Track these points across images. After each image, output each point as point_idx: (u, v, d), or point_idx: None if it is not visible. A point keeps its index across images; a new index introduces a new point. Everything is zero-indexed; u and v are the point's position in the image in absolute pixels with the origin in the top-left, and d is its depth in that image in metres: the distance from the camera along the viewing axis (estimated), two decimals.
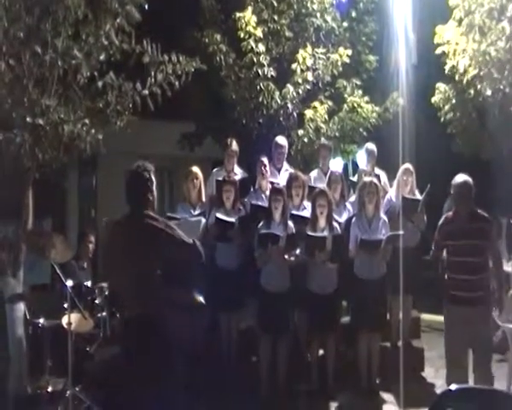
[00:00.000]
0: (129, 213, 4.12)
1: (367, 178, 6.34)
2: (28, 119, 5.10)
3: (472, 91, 8.17)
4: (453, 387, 2.94)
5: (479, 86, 7.90)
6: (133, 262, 3.96)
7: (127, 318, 4.16)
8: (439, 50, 8.35)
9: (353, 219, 6.22)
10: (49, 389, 5.79)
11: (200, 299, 4.45)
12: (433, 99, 9.14)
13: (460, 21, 8.08)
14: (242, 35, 8.03)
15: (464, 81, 8.07)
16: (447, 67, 8.34)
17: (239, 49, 8.23)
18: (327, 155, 7.40)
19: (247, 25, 8.00)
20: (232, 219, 6.31)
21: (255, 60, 8.08)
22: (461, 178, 5.17)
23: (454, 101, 8.96)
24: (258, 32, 8.04)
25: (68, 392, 5.38)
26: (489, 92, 7.77)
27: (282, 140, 7.21)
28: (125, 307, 4.23)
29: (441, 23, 8.35)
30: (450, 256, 5.22)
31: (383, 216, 6.19)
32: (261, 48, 8.08)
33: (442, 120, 9.17)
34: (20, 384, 5.77)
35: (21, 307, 5.84)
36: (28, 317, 5.98)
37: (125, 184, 4.14)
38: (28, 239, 5.79)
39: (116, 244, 4.13)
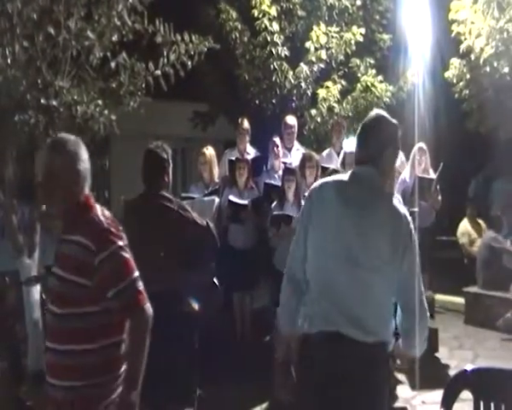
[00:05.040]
0: (143, 192, 4.13)
1: None
2: (42, 100, 5.11)
3: (488, 68, 8.05)
4: (469, 367, 2.93)
5: (495, 64, 7.79)
6: (146, 242, 3.94)
7: None
8: (454, 31, 8.22)
9: None
10: None
11: (195, 306, 4.49)
12: (447, 74, 9.04)
13: None
14: (256, 14, 7.96)
15: (481, 61, 7.96)
16: (462, 47, 8.22)
17: (252, 28, 8.17)
18: (340, 132, 7.34)
19: (261, 3, 7.93)
20: (245, 202, 6.30)
21: (269, 39, 8.02)
22: None
23: (468, 76, 8.85)
24: (273, 11, 7.97)
25: None
26: (506, 69, 7.66)
27: (291, 119, 7.16)
28: None
29: None
30: None
31: (397, 195, 6.14)
32: (275, 27, 8.01)
33: (457, 96, 9.08)
34: (37, 363, 5.85)
35: (37, 288, 5.91)
36: (44, 297, 6.05)
37: (142, 163, 4.12)
38: (43, 220, 5.84)
39: (129, 223, 4.10)
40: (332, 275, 2.66)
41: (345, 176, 2.87)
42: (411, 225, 2.79)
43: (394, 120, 2.91)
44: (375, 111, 3.02)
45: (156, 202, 4.01)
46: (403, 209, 2.84)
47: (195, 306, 4.51)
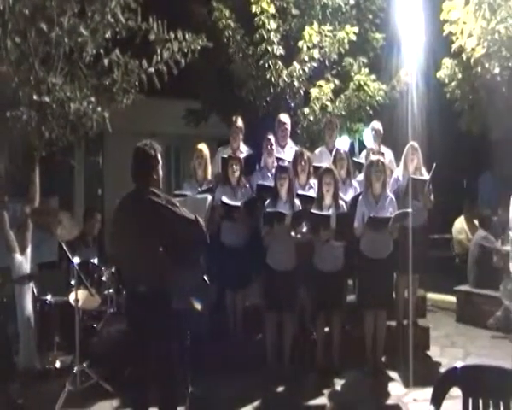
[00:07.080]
0: (133, 189, 4.17)
1: (374, 157, 6.32)
2: (35, 97, 5.11)
3: (479, 69, 8.09)
4: (459, 365, 2.95)
5: (486, 64, 7.82)
6: (136, 238, 4.02)
7: (129, 293, 4.21)
8: (445, 31, 8.24)
9: (360, 197, 6.21)
10: (57, 365, 5.87)
11: (197, 305, 4.51)
12: (438, 74, 9.06)
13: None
14: (254, 10, 7.94)
15: (472, 60, 7.99)
16: (454, 46, 8.25)
17: (246, 26, 8.16)
18: (332, 131, 7.34)
19: (259, 0, 7.92)
20: (237, 204, 6.29)
21: (265, 36, 8.00)
22: None
23: (460, 76, 8.88)
24: (272, 9, 7.96)
25: (76, 368, 5.45)
26: (497, 70, 7.69)
27: (284, 117, 7.17)
28: (127, 283, 4.29)
29: None
30: None
31: (390, 194, 6.18)
32: (272, 25, 7.99)
33: (449, 96, 9.10)
34: (28, 360, 5.85)
35: (30, 285, 5.90)
36: (36, 294, 6.04)
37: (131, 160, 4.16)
38: (35, 217, 5.83)
39: (120, 220, 4.18)
40: None
41: None
42: None
43: None
44: None
45: (145, 198, 4.03)
46: None
47: (197, 305, 4.52)
